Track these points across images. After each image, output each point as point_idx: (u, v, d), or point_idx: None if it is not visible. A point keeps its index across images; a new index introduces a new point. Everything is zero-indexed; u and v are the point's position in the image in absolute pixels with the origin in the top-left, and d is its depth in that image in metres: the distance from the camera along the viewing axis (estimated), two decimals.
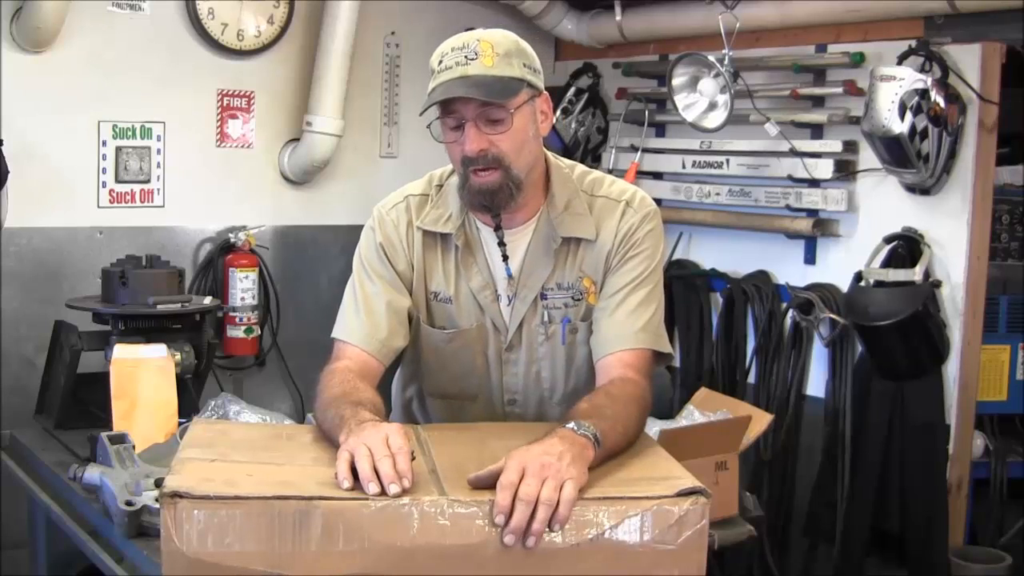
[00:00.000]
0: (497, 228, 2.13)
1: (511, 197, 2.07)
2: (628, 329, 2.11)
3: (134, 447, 2.43)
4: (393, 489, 1.64)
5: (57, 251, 3.91)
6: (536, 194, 2.14)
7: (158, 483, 2.19)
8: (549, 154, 2.20)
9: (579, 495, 1.68)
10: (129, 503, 2.22)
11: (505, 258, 2.15)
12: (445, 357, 2.22)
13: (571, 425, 1.82)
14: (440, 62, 2.04)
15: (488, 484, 1.69)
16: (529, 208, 2.14)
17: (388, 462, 1.67)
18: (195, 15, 4.06)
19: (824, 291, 3.86)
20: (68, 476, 2.39)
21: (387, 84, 4.58)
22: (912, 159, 3.44)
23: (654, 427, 2.67)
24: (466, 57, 2.01)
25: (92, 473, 2.33)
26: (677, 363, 4.35)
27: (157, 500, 2.01)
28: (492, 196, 2.06)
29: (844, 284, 3.76)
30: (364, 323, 2.16)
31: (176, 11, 4.07)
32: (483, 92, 1.99)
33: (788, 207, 3.94)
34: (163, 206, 4.12)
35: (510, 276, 2.16)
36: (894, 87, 3.36)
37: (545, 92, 2.11)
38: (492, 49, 2.02)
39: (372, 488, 1.64)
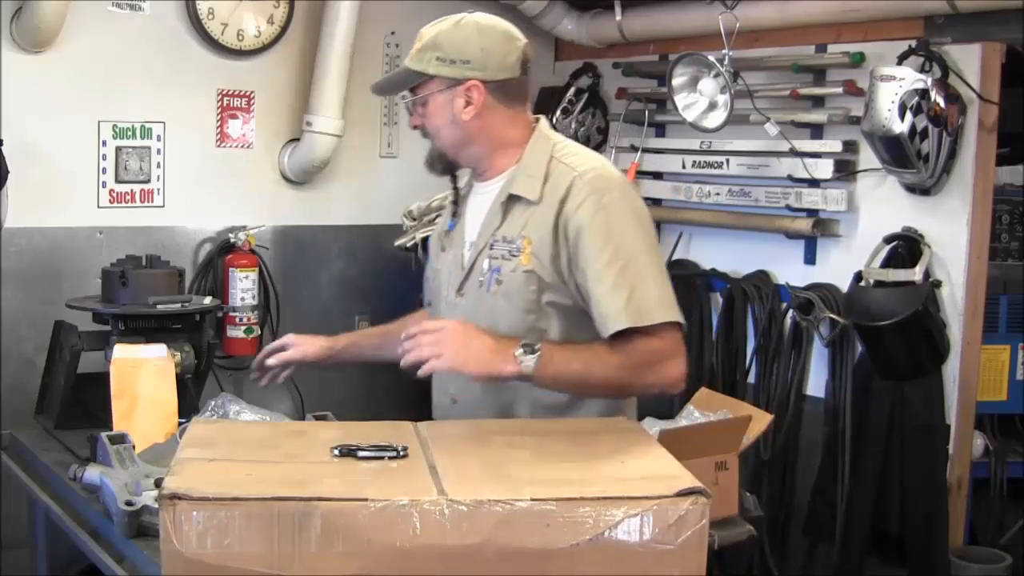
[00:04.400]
0: (454, 188, 2.50)
1: (446, 164, 2.42)
2: (606, 313, 2.21)
3: (134, 447, 2.42)
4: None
5: (57, 251, 3.90)
6: (504, 157, 2.37)
7: (158, 483, 2.18)
8: (544, 127, 2.40)
9: (578, 495, 1.68)
10: (129, 503, 2.21)
11: (453, 214, 2.48)
12: (428, 299, 2.55)
13: (523, 343, 2.14)
14: None
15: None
16: (496, 168, 2.39)
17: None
18: (195, 15, 4.06)
19: (824, 291, 3.86)
20: (68, 476, 2.39)
21: None
22: (912, 159, 3.44)
23: (654, 427, 2.67)
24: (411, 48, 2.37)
25: (92, 473, 2.33)
26: None
27: (157, 500, 2.03)
28: (428, 163, 2.44)
29: (844, 284, 3.76)
30: None
31: (176, 11, 4.07)
32: (386, 86, 2.50)
33: (788, 207, 3.94)
34: (163, 206, 4.12)
35: (451, 228, 2.47)
36: (894, 87, 3.36)
37: (472, 80, 2.30)
38: (418, 42, 2.33)
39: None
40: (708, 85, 3.86)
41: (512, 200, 2.33)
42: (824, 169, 3.80)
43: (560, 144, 2.38)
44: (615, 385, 2.26)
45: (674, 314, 2.25)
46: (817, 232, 3.87)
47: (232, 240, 4.16)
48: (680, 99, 3.92)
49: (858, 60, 3.70)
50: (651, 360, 2.23)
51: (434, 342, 2.14)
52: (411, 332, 2.16)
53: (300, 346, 2.70)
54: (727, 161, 4.13)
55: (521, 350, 2.14)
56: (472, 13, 2.36)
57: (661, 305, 2.23)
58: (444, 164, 2.43)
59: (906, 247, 3.62)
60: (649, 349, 2.22)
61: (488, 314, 2.30)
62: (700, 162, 4.23)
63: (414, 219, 4.30)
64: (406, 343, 2.16)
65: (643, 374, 2.24)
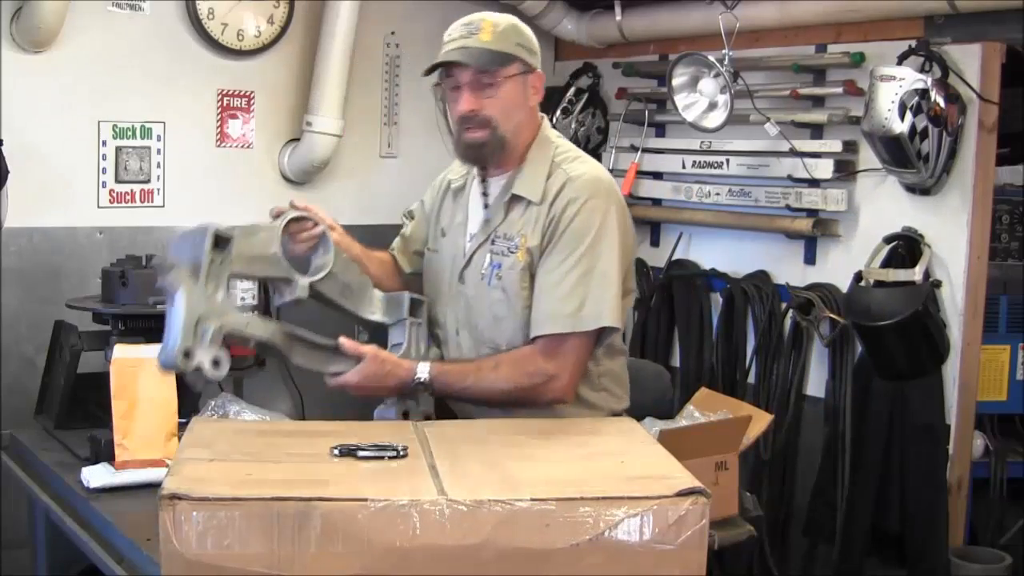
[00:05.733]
0: (483, 180, 2.52)
1: (494, 153, 2.43)
2: (549, 312, 2.35)
3: (232, 263, 2.18)
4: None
5: (57, 251, 3.90)
6: (516, 156, 2.46)
7: (225, 340, 2.09)
8: (547, 128, 2.51)
9: (578, 495, 1.69)
10: (187, 354, 2.04)
11: (486, 206, 2.51)
12: (428, 278, 2.62)
13: (421, 372, 2.34)
14: (448, 35, 2.44)
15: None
16: (506, 166, 2.47)
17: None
18: (195, 15, 4.06)
19: (824, 291, 3.85)
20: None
21: (387, 84, 4.58)
22: (912, 159, 3.44)
23: (654, 427, 2.68)
24: (469, 32, 2.40)
25: (177, 281, 2.07)
26: (677, 363, 4.35)
27: (215, 362, 2.06)
28: (477, 151, 2.44)
29: (844, 284, 3.76)
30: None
31: (176, 11, 4.07)
32: (474, 59, 2.37)
33: (788, 207, 3.94)
34: (163, 206, 4.12)
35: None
36: (894, 87, 3.36)
37: (539, 71, 2.44)
38: (492, 27, 2.38)
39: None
40: (708, 85, 3.86)
41: (515, 199, 2.44)
42: (824, 169, 3.80)
43: (561, 147, 2.49)
44: (498, 400, 2.40)
45: (613, 320, 2.37)
46: (817, 232, 3.87)
47: None
48: (680, 99, 3.92)
49: (858, 60, 3.70)
50: (537, 382, 2.37)
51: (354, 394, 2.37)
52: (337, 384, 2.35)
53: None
54: (727, 161, 4.13)
55: (421, 365, 2.36)
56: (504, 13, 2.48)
57: (603, 312, 2.35)
58: (499, 152, 2.43)
59: (906, 247, 3.62)
60: (540, 370, 2.36)
61: (489, 306, 2.45)
62: (700, 162, 4.23)
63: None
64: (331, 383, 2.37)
65: (527, 392, 2.38)
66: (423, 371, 2.35)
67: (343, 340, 2.35)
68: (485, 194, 2.53)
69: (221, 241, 2.17)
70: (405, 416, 2.40)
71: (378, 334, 2.53)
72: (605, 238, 2.36)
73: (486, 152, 2.44)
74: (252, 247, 2.28)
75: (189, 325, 2.06)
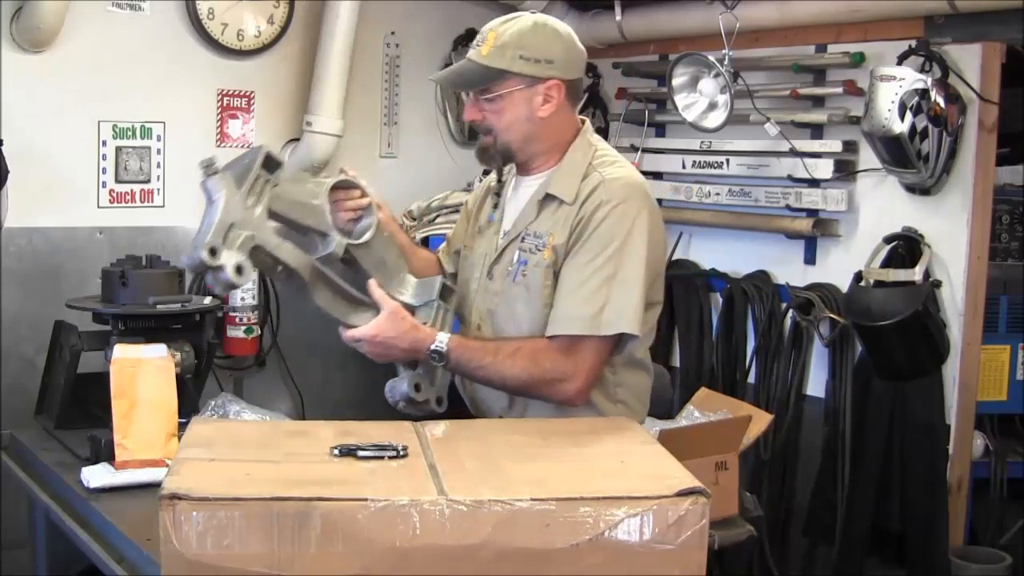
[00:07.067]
0: (499, 180, 2.58)
1: (503, 159, 2.49)
2: (569, 313, 2.34)
3: (274, 187, 2.17)
4: None
5: (57, 251, 3.91)
6: (551, 157, 2.48)
7: (253, 254, 2.07)
8: (588, 131, 2.53)
9: (578, 495, 1.69)
10: (213, 251, 2.03)
11: (495, 205, 2.58)
12: (460, 275, 2.63)
13: (439, 341, 2.33)
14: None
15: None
16: (541, 167, 2.49)
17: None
18: (195, 15, 4.06)
19: (824, 291, 3.85)
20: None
21: (387, 84, 4.58)
22: (912, 159, 3.44)
23: (654, 427, 2.68)
24: (476, 43, 2.42)
25: (219, 184, 2.07)
26: (677, 363, 4.35)
27: (238, 268, 2.04)
28: (484, 154, 2.51)
29: (844, 284, 3.76)
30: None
31: (176, 11, 4.07)
32: (462, 80, 2.50)
33: (788, 207, 3.94)
34: (163, 206, 4.12)
35: (491, 219, 2.57)
36: (894, 87, 3.36)
37: (554, 79, 2.40)
38: (495, 39, 2.38)
39: None
40: (708, 85, 3.86)
41: (548, 199, 2.44)
42: (824, 169, 3.80)
43: (600, 151, 2.49)
44: (511, 388, 2.41)
45: (632, 327, 2.35)
46: (817, 232, 3.87)
47: None
48: (680, 99, 3.92)
49: (858, 60, 3.70)
50: (551, 378, 2.36)
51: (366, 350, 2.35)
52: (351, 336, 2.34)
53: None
54: (727, 161, 4.13)
55: (441, 334, 2.36)
56: (536, 14, 2.46)
57: (622, 318, 2.33)
58: (504, 158, 2.50)
59: (906, 247, 3.62)
60: (556, 367, 2.35)
61: (511, 301, 2.45)
62: (700, 162, 4.23)
63: (414, 219, 4.30)
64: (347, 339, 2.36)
65: (540, 387, 2.37)
66: (442, 340, 2.34)
67: (372, 284, 2.35)
68: (497, 193, 2.59)
69: (271, 163, 2.18)
70: (417, 389, 2.38)
71: None
72: (632, 244, 2.34)
73: (491, 156, 2.50)
74: (297, 193, 2.29)
75: (223, 226, 2.06)
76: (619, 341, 2.38)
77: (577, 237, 2.36)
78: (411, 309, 2.46)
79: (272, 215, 2.19)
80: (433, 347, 2.33)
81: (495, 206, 2.59)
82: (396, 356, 2.37)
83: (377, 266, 2.44)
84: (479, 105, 2.43)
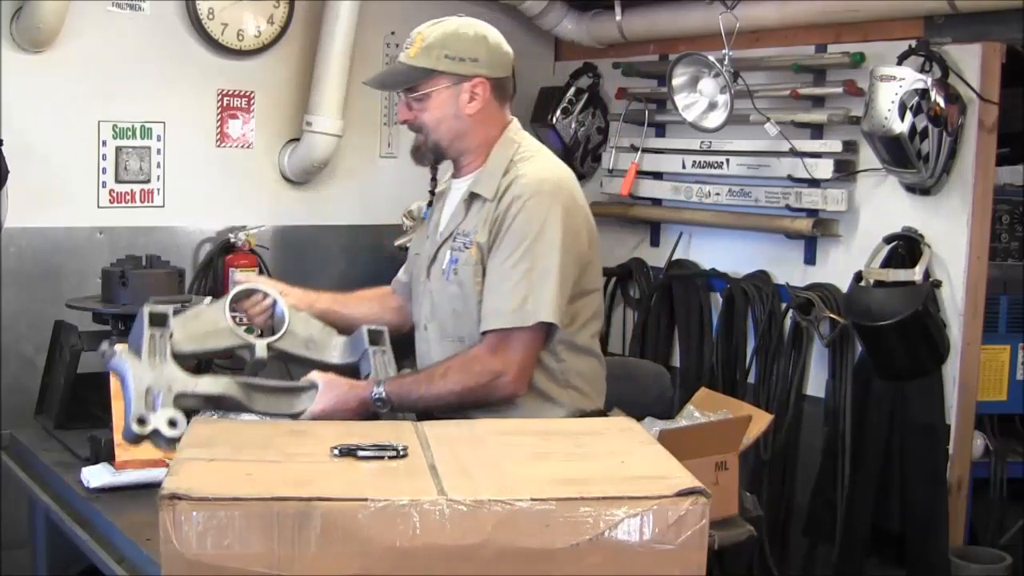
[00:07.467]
0: (432, 179, 2.69)
1: (437, 156, 2.58)
2: (494, 308, 2.41)
3: (171, 337, 2.29)
4: None
5: (57, 251, 3.91)
6: (479, 156, 2.55)
7: (178, 402, 2.16)
8: (514, 129, 2.56)
9: (578, 495, 1.69)
10: (141, 421, 2.13)
11: (429, 204, 2.71)
12: (412, 280, 2.70)
13: (377, 390, 2.38)
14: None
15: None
16: (470, 167, 2.57)
17: None
18: (195, 15, 4.06)
19: (824, 291, 3.86)
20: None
21: None
22: (912, 159, 3.44)
23: (654, 427, 2.68)
24: (405, 45, 2.51)
25: (121, 362, 2.22)
26: (677, 363, 4.35)
27: (170, 422, 2.11)
28: (416, 152, 2.60)
29: (844, 284, 3.76)
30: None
31: (176, 11, 4.07)
32: (389, 80, 2.66)
33: (788, 207, 3.94)
34: (163, 206, 4.12)
35: (425, 218, 2.70)
36: (894, 87, 3.36)
37: (479, 78, 2.47)
38: (421, 40, 2.48)
39: None
40: (708, 85, 3.86)
41: (473, 198, 2.52)
42: (824, 169, 3.80)
43: (523, 147, 2.55)
44: (456, 403, 2.43)
45: (552, 316, 2.41)
46: (817, 232, 3.87)
47: (232, 240, 4.16)
48: (680, 99, 3.92)
49: (858, 60, 3.70)
50: (486, 380, 2.41)
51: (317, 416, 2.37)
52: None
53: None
54: (727, 161, 4.13)
55: (376, 386, 2.40)
56: (463, 17, 2.54)
57: (543, 308, 2.39)
58: (435, 155, 2.59)
59: (906, 247, 3.62)
60: (487, 368, 2.40)
61: (449, 300, 2.53)
62: (700, 162, 4.23)
63: (414, 219, 4.29)
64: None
65: (478, 391, 2.42)
66: (379, 389, 2.40)
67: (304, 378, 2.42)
68: (432, 192, 2.70)
69: (157, 319, 2.29)
70: None
71: (355, 375, 2.55)
72: (547, 236, 2.40)
73: (422, 155, 2.59)
74: (200, 326, 2.40)
75: (139, 395, 2.17)
76: (548, 331, 2.44)
77: (496, 233, 2.44)
78: (354, 367, 2.53)
79: (185, 358, 2.30)
80: (374, 397, 2.39)
81: (429, 204, 2.72)
82: (355, 416, 2.38)
83: (307, 344, 2.54)
84: (409, 105, 2.52)
